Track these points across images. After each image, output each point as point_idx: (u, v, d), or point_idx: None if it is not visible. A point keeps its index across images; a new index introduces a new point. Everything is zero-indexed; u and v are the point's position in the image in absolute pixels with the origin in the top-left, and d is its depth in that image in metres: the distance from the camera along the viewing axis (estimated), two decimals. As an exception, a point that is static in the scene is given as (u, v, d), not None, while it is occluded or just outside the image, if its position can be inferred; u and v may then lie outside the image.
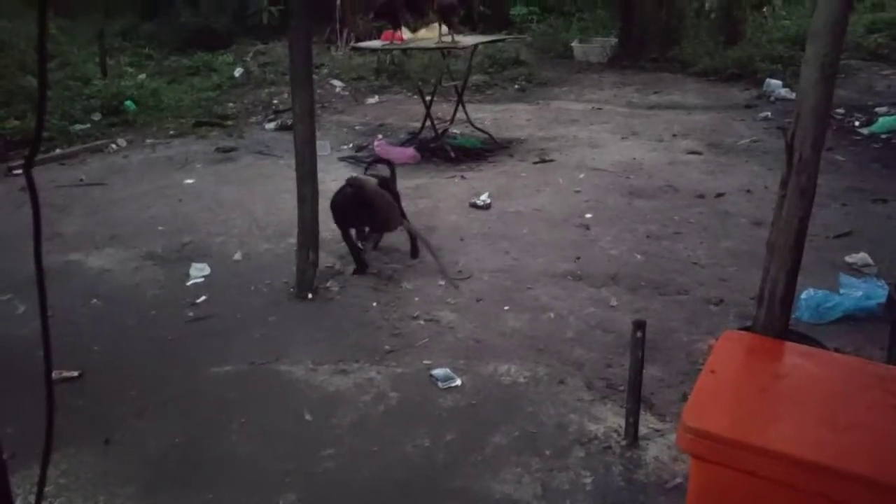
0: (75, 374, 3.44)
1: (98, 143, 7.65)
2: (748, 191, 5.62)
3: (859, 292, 3.72)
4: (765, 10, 12.05)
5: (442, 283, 4.24)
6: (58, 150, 7.36)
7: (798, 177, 2.52)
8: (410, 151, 6.83)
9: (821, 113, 2.46)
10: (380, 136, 7.59)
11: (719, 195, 5.56)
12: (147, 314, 4.03)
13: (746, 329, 2.73)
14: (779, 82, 8.90)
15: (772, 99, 8.68)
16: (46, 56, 1.01)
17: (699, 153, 6.72)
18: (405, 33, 6.98)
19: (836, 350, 3.07)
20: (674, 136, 7.35)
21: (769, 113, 8.00)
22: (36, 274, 0.91)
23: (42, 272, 0.88)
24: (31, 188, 0.87)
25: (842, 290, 3.79)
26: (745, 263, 4.29)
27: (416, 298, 4.07)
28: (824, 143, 2.55)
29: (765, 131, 7.31)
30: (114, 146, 7.60)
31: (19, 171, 6.69)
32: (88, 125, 8.13)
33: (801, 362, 2.41)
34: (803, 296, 3.65)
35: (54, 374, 3.44)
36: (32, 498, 2.64)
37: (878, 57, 10.50)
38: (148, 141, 7.81)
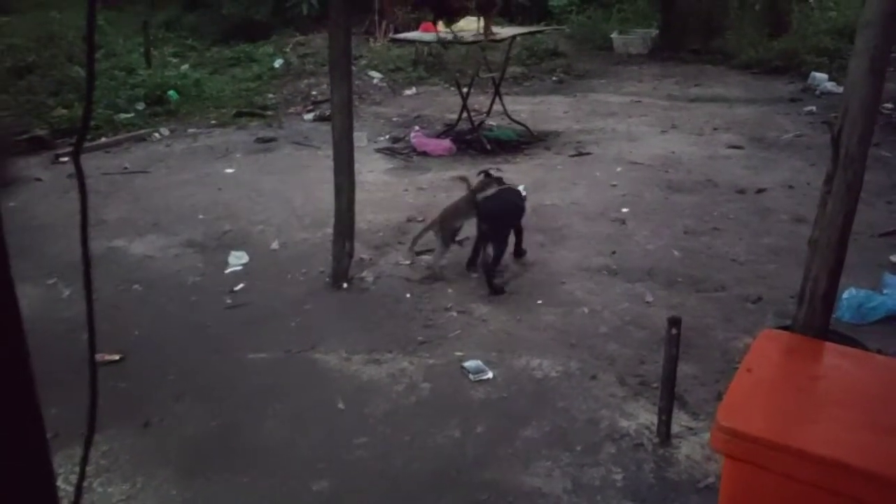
0: (117, 357, 3.53)
1: (142, 131, 7.81)
2: (790, 186, 5.50)
3: (903, 293, 3.63)
4: (811, 0, 11.73)
5: (475, 275, 4.24)
6: (103, 139, 7.53)
7: (844, 172, 2.46)
8: (447, 143, 6.84)
9: (869, 107, 2.39)
10: (416, 128, 7.60)
11: (760, 191, 5.45)
12: (187, 300, 4.11)
13: (785, 328, 2.68)
14: (824, 76, 8.68)
15: (817, 93, 8.47)
16: (95, 47, 1.03)
17: (740, 147, 6.60)
18: (441, 24, 6.95)
19: (878, 351, 3.00)
20: (714, 129, 7.23)
21: (814, 107, 7.82)
22: (82, 258, 0.93)
23: (89, 256, 0.90)
24: (80, 175, 0.89)
25: (885, 290, 3.70)
26: (785, 261, 4.21)
27: (450, 290, 4.08)
28: (872, 138, 2.49)
29: (809, 126, 7.15)
30: (157, 135, 7.75)
31: (66, 159, 6.87)
32: (133, 114, 8.30)
33: (840, 363, 2.36)
34: (845, 295, 3.57)
35: (97, 358, 3.54)
36: (74, 477, 2.72)
37: (932, 50, 10.16)
38: (190, 130, 7.94)
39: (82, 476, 1.20)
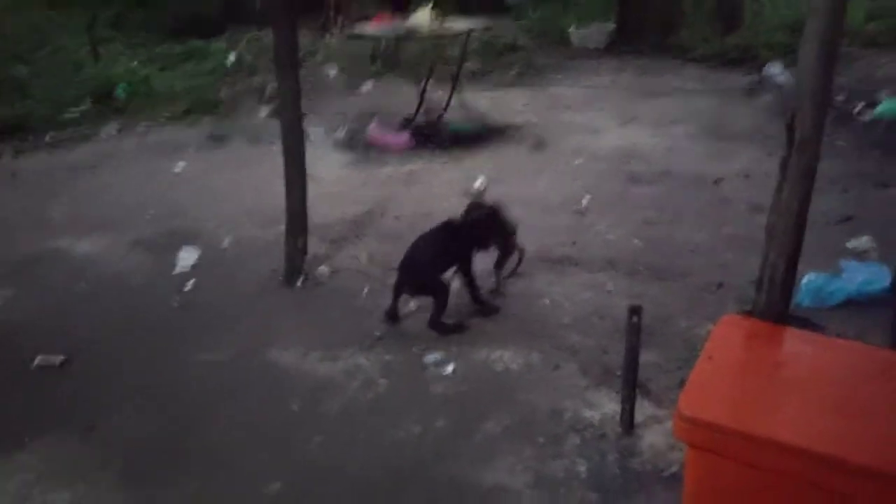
0: (59, 360, 3.37)
1: (89, 129, 7.54)
2: (747, 176, 5.52)
3: (861, 277, 3.64)
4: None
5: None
6: (48, 137, 7.25)
7: (799, 157, 2.44)
8: (405, 137, 6.73)
9: (822, 91, 2.38)
10: (374, 122, 7.48)
11: (718, 180, 5.47)
12: (134, 301, 3.96)
13: (746, 314, 2.66)
14: (779, 67, 8.78)
15: (772, 84, 8.56)
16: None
17: (698, 139, 6.63)
18: (395, 18, 6.86)
19: (838, 335, 2.99)
20: (672, 121, 7.25)
21: (769, 98, 7.90)
22: None
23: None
24: None
25: (843, 275, 3.71)
26: (744, 249, 4.20)
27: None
28: (825, 123, 2.47)
29: (765, 116, 7.21)
30: (104, 132, 7.49)
31: (9, 158, 6.61)
32: (79, 112, 8.01)
33: (802, 348, 2.34)
34: (804, 281, 3.57)
35: (39, 360, 3.37)
36: (12, 486, 2.58)
37: (878, 45, 10.35)
38: (139, 127, 7.69)
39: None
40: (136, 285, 4.13)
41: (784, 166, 2.51)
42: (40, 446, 2.77)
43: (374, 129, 7.01)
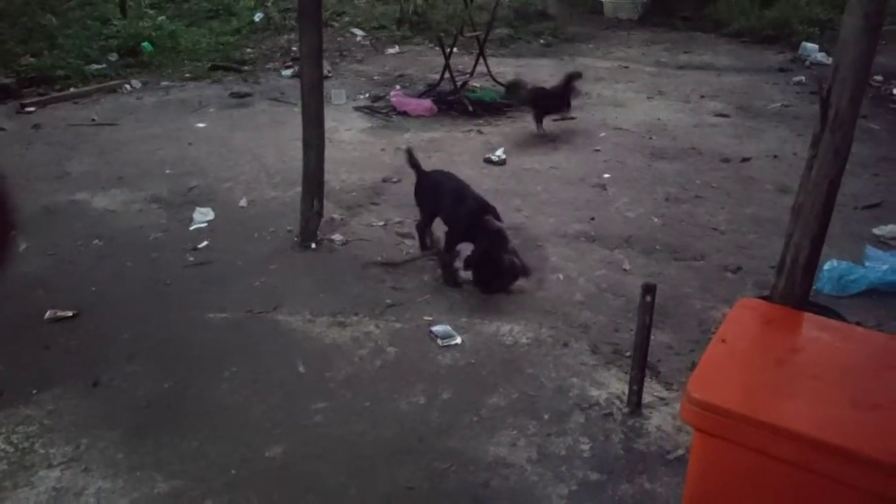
0: (70, 313, 3.38)
1: (113, 83, 7.53)
2: (776, 156, 5.38)
3: (885, 266, 3.54)
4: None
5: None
6: (72, 89, 7.25)
7: (832, 135, 2.34)
8: (427, 103, 6.63)
9: (861, 66, 2.26)
10: (397, 87, 7.39)
11: (745, 160, 5.33)
12: (147, 257, 3.95)
13: (764, 298, 2.58)
14: (815, 46, 8.52)
15: (807, 63, 8.32)
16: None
17: (727, 116, 6.47)
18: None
19: (858, 324, 2.91)
20: (702, 97, 7.08)
21: (803, 77, 7.67)
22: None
23: None
24: None
25: (867, 263, 3.61)
26: (767, 231, 4.10)
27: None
28: (862, 100, 2.36)
29: (797, 96, 7.02)
30: (128, 87, 7.47)
31: (32, 109, 6.62)
32: (104, 65, 7.99)
33: (820, 335, 2.26)
34: (826, 267, 3.47)
35: (49, 314, 3.39)
36: (15, 437, 2.59)
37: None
38: (163, 83, 7.67)
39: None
40: (150, 242, 4.12)
41: (816, 143, 2.41)
42: (45, 399, 2.78)
43: (396, 94, 6.93)
